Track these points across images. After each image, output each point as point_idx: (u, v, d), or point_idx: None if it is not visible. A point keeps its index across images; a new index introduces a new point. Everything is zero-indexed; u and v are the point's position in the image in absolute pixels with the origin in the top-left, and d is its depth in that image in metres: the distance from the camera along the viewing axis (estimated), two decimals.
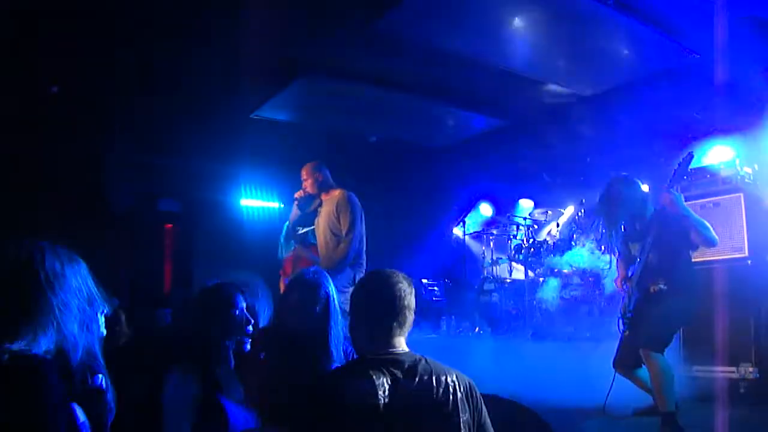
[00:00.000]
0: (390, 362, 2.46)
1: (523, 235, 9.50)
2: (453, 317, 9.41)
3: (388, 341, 2.54)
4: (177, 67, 7.24)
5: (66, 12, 5.93)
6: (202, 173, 10.07)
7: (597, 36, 6.65)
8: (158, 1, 5.89)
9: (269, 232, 8.64)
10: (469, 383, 2.51)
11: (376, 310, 2.61)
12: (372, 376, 2.38)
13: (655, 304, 4.74)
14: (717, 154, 6.78)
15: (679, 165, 4.82)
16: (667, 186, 4.75)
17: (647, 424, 4.78)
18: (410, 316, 2.63)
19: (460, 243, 10.20)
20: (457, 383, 2.45)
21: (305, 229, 6.72)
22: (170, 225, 10.25)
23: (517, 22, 6.47)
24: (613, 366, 4.98)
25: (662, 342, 4.65)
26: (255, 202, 10.78)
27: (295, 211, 6.62)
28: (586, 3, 5.99)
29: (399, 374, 2.42)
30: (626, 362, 4.90)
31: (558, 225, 9.40)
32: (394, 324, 2.57)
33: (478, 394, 2.52)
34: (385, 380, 2.38)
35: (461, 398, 2.43)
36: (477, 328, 8.79)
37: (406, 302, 2.62)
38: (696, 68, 6.97)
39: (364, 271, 6.24)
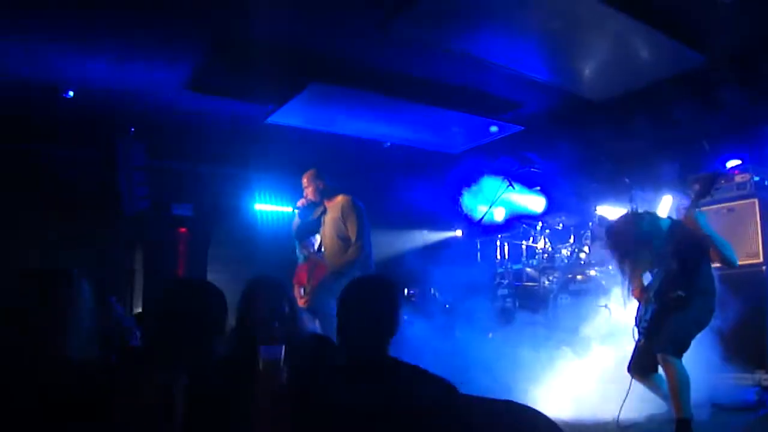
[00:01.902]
0: (376, 368, 2.46)
1: (537, 241, 9.49)
2: (465, 322, 9.38)
3: (375, 347, 2.54)
4: (191, 72, 7.28)
5: (82, 17, 5.98)
6: (215, 178, 10.12)
7: (611, 41, 6.62)
8: (173, 4, 5.92)
9: (283, 237, 8.67)
10: (452, 389, 2.46)
11: (369, 314, 2.61)
12: (355, 381, 2.38)
13: (673, 310, 4.71)
14: (732, 160, 6.75)
15: (704, 182, 4.77)
16: (690, 206, 4.72)
17: (661, 430, 4.76)
18: (397, 324, 2.64)
19: (474, 248, 10.19)
20: (438, 389, 2.41)
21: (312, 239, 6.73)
22: (184, 229, 10.28)
23: (532, 25, 6.46)
24: (629, 371, 4.95)
25: (680, 347, 4.62)
26: (269, 207, 10.81)
27: (297, 220, 6.63)
28: (598, 7, 5.97)
29: (378, 379, 2.41)
30: (642, 367, 4.88)
31: (572, 231, 9.36)
32: (385, 330, 2.57)
33: (460, 401, 2.46)
34: (365, 385, 2.37)
35: (440, 405, 2.38)
36: (490, 334, 8.75)
37: (395, 310, 2.63)
38: (711, 73, 6.95)
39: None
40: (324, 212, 6.46)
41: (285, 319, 3.28)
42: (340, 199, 6.34)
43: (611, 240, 5.10)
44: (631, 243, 4.93)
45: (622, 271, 5.03)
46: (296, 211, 6.60)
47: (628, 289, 5.04)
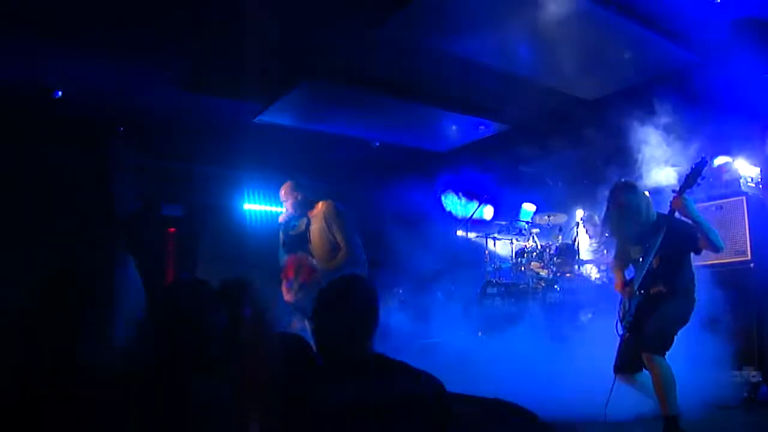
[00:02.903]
0: (358, 365, 2.47)
1: (526, 239, 9.51)
2: (455, 321, 9.40)
3: (357, 344, 2.56)
4: (180, 71, 7.26)
5: (68, 17, 5.96)
6: (205, 177, 10.08)
7: (599, 39, 6.65)
8: (161, 4, 5.90)
9: (273, 237, 8.65)
10: (438, 385, 2.49)
11: (346, 313, 2.64)
12: (339, 379, 2.40)
13: (655, 306, 4.73)
14: (720, 158, 6.77)
15: (691, 169, 4.79)
16: (679, 190, 4.74)
17: (649, 429, 4.77)
18: (376, 320, 2.67)
19: (463, 247, 10.19)
20: (424, 385, 2.44)
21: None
22: (173, 229, 10.25)
23: (520, 25, 6.47)
24: (614, 372, 4.95)
25: (664, 344, 4.64)
26: (258, 207, 10.78)
27: (282, 236, 6.57)
28: (588, 6, 5.99)
29: (366, 376, 2.43)
30: (627, 367, 4.88)
31: (560, 229, 9.39)
32: (364, 327, 2.60)
33: (447, 397, 2.50)
34: (353, 382, 2.39)
35: (427, 402, 2.42)
36: (479, 332, 8.76)
37: (374, 306, 2.66)
38: (698, 71, 6.98)
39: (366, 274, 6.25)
40: (309, 223, 6.39)
41: (246, 322, 3.28)
42: (321, 206, 6.27)
43: (609, 199, 5.11)
44: (623, 206, 4.95)
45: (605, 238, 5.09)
46: (281, 225, 6.54)
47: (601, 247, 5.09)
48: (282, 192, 6.41)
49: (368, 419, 2.32)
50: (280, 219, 6.50)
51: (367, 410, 2.32)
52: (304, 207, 6.33)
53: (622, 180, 5.20)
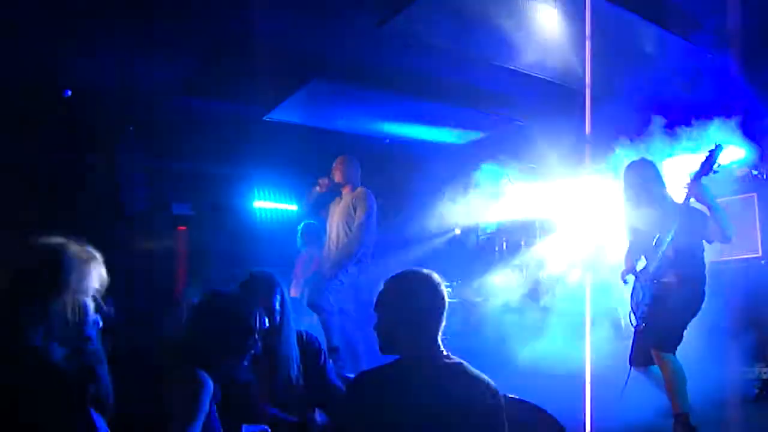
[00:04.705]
0: (427, 364, 2.47)
1: (536, 235, 9.47)
2: (460, 321, 9.39)
3: (428, 343, 2.55)
4: (189, 70, 7.28)
5: (79, 17, 5.98)
6: (214, 176, 10.10)
7: (606, 36, 6.63)
8: (171, 3, 5.92)
9: (283, 234, 8.66)
10: (495, 389, 2.49)
11: (418, 311, 2.60)
12: (409, 377, 2.40)
13: (664, 298, 4.72)
14: (730, 154, 6.74)
15: (706, 158, 4.78)
16: (695, 176, 4.73)
17: (660, 425, 4.76)
18: (444, 318, 2.64)
19: (473, 244, 10.17)
20: (486, 388, 2.44)
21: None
22: (184, 228, 10.26)
23: (527, 20, 6.45)
24: (630, 363, 4.94)
25: (672, 341, 4.62)
26: (268, 204, 10.80)
27: (313, 194, 6.63)
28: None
29: (436, 376, 2.43)
30: (641, 360, 4.87)
31: None
32: (434, 326, 2.57)
33: (501, 401, 2.50)
34: (421, 381, 2.39)
35: (490, 403, 2.41)
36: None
37: (445, 303, 2.64)
38: (709, 65, 6.96)
39: (366, 271, 6.29)
40: (340, 197, 6.56)
41: (275, 313, 3.38)
42: (358, 190, 6.40)
43: (625, 173, 5.12)
44: (640, 177, 4.97)
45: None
46: (316, 187, 6.61)
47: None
48: (336, 161, 6.65)
49: (433, 420, 2.32)
50: (320, 181, 6.56)
51: (435, 411, 2.33)
52: (347, 181, 6.58)
53: (640, 158, 5.19)
